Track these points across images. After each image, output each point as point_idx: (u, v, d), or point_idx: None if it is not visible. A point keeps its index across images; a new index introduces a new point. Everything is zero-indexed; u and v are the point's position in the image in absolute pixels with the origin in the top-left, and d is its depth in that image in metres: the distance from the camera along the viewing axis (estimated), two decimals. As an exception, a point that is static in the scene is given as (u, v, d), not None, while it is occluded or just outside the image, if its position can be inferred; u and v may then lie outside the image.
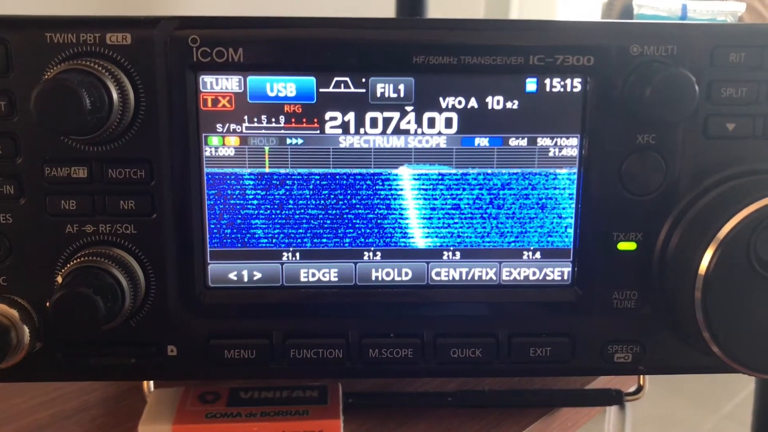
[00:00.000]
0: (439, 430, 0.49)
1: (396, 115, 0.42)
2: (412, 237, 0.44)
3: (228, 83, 0.41)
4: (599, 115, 0.42)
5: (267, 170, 0.43)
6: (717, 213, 0.41)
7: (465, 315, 0.45)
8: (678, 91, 0.39)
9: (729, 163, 0.43)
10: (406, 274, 0.45)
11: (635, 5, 0.77)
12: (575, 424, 0.52)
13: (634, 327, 0.45)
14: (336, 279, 0.44)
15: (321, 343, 0.44)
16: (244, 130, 0.42)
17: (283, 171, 0.43)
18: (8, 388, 0.52)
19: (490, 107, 0.42)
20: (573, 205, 0.44)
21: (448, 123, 0.42)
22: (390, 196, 0.43)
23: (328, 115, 0.42)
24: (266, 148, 0.42)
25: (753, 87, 0.42)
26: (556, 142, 0.43)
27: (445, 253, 0.44)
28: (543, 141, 0.43)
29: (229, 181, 0.43)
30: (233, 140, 0.42)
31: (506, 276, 0.45)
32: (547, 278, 0.45)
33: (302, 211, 0.43)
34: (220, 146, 0.42)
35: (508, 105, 0.42)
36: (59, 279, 0.40)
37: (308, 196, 0.43)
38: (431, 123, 0.42)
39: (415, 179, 0.43)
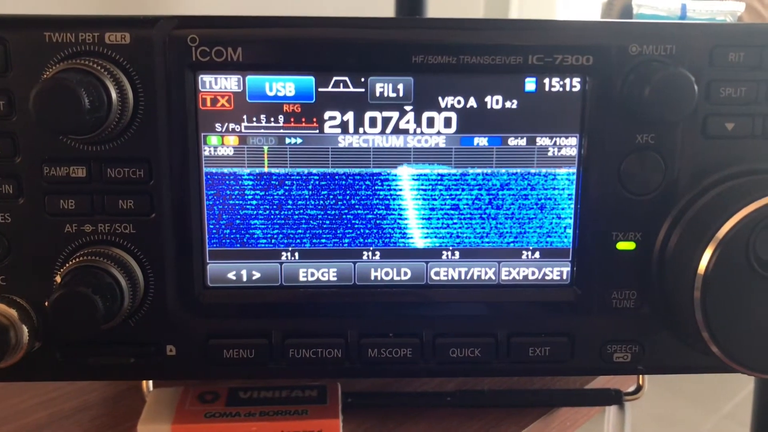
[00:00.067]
0: (438, 429, 0.49)
1: (395, 114, 0.42)
2: (411, 237, 0.44)
3: (227, 83, 0.41)
4: (598, 114, 0.42)
5: (266, 170, 0.43)
6: (716, 213, 0.41)
7: (464, 315, 0.45)
8: (677, 90, 0.39)
9: (728, 162, 0.43)
10: (405, 273, 0.45)
11: (634, 5, 0.77)
12: (574, 424, 0.52)
13: (633, 327, 0.45)
14: (335, 279, 0.44)
15: (320, 343, 0.44)
16: (243, 130, 0.42)
17: (282, 170, 0.43)
18: (7, 388, 0.52)
19: (489, 107, 0.42)
20: (572, 206, 0.44)
21: (447, 122, 0.42)
22: (389, 197, 0.43)
23: (327, 114, 0.42)
24: (265, 148, 0.42)
25: (752, 87, 0.42)
26: (555, 141, 0.43)
27: (444, 252, 0.44)
28: (542, 141, 0.43)
29: (228, 181, 0.43)
30: (232, 140, 0.42)
31: (505, 276, 0.45)
32: (546, 278, 0.45)
33: (301, 211, 0.43)
34: (219, 146, 0.42)
35: (507, 105, 0.42)
36: (58, 278, 0.40)
37: (307, 197, 0.43)
38: (430, 122, 0.42)
39: (414, 179, 0.43)
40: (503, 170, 0.43)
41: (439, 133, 0.43)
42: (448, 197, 0.44)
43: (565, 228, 0.44)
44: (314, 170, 0.43)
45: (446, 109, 0.42)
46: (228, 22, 0.41)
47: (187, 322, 0.43)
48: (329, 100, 0.42)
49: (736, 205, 0.40)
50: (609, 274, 0.44)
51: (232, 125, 0.42)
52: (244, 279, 0.44)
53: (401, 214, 0.44)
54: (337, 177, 0.43)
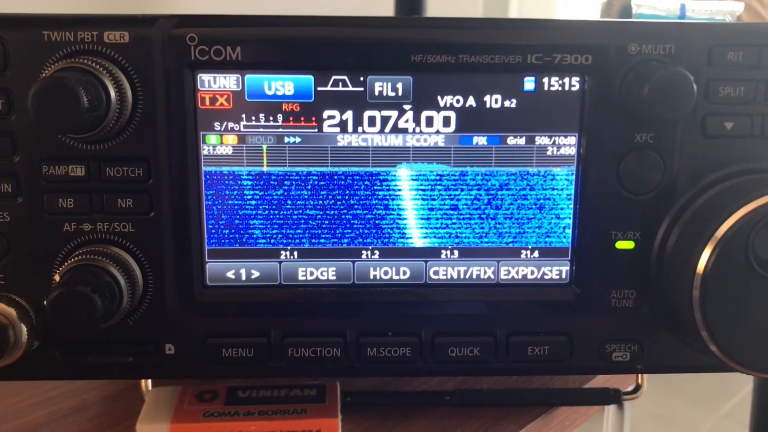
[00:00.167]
0: (437, 429, 0.49)
1: (394, 113, 0.42)
2: (410, 237, 0.44)
3: (226, 82, 0.41)
4: (597, 113, 0.42)
5: (265, 169, 0.43)
6: (715, 212, 0.41)
7: (463, 314, 0.45)
8: (676, 90, 0.39)
9: (727, 162, 0.43)
10: (404, 272, 0.45)
11: (634, 4, 0.77)
12: (573, 423, 0.52)
13: (632, 326, 0.45)
14: (334, 278, 0.44)
15: (319, 342, 0.44)
16: (242, 129, 0.42)
17: (281, 169, 0.43)
18: (6, 387, 0.52)
19: (488, 106, 0.42)
20: (571, 206, 0.44)
21: (446, 122, 0.42)
22: (388, 196, 0.43)
23: (326, 113, 0.42)
24: (264, 147, 0.42)
25: (751, 86, 0.42)
26: (555, 140, 0.43)
27: (443, 251, 0.44)
28: (541, 140, 0.43)
29: (227, 180, 0.43)
30: (231, 139, 0.42)
31: (504, 275, 0.45)
32: (546, 277, 0.45)
33: (300, 210, 0.43)
34: (218, 145, 0.42)
35: (507, 104, 0.42)
36: (57, 277, 0.40)
37: (306, 196, 0.43)
38: (429, 122, 0.42)
39: (413, 179, 0.43)
40: (502, 170, 0.43)
41: (438, 132, 0.43)
42: (447, 197, 0.44)
43: (564, 228, 0.44)
44: (313, 169, 0.43)
45: (445, 108, 0.42)
46: (227, 21, 0.41)
47: (186, 321, 0.43)
48: (328, 99, 0.42)
49: (735, 205, 0.40)
50: (608, 273, 0.44)
51: (231, 124, 0.42)
52: (243, 278, 0.44)
53: (400, 214, 0.44)
54: (336, 176, 0.43)
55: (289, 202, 0.43)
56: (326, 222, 0.43)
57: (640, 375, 0.51)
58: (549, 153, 0.43)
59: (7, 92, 0.39)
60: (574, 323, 0.45)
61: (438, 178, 0.43)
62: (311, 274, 0.44)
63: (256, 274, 0.44)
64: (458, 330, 0.45)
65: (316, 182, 0.43)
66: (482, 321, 0.45)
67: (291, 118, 0.42)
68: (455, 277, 0.45)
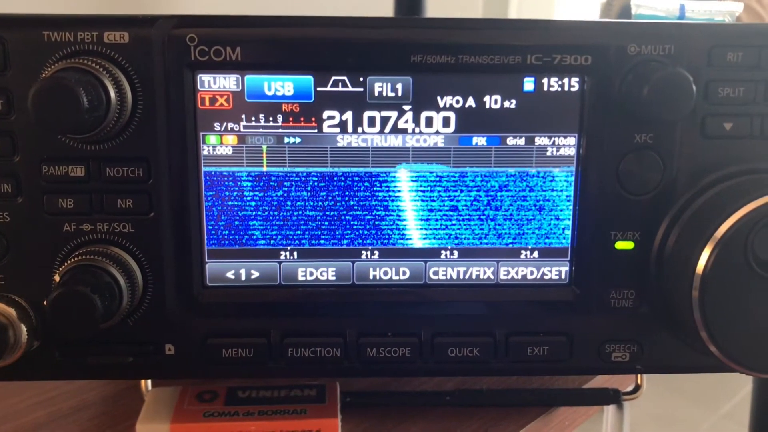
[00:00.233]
0: (436, 429, 0.49)
1: (394, 114, 0.42)
2: (410, 238, 0.44)
3: (226, 82, 0.41)
4: (597, 114, 0.42)
5: (265, 169, 0.43)
6: (714, 212, 0.41)
7: (463, 314, 0.45)
8: (675, 90, 0.39)
9: (726, 162, 0.43)
10: (404, 273, 0.45)
11: (633, 5, 0.77)
12: (573, 423, 0.52)
13: (631, 326, 0.45)
14: (334, 278, 0.44)
15: (319, 342, 0.44)
16: (241, 129, 0.42)
17: (280, 170, 0.43)
18: (6, 387, 0.52)
19: (487, 106, 0.42)
20: (570, 207, 0.44)
21: (446, 122, 0.43)
22: (388, 197, 0.43)
23: (325, 114, 0.42)
24: (264, 147, 0.42)
25: (750, 87, 0.42)
26: (554, 141, 0.43)
27: (442, 252, 0.44)
28: (541, 140, 0.43)
29: (226, 180, 0.43)
30: (231, 139, 0.42)
31: (504, 275, 0.45)
32: (545, 277, 0.45)
33: (300, 212, 0.43)
34: (217, 145, 0.42)
35: (506, 104, 0.42)
36: (57, 277, 0.40)
37: (306, 197, 0.43)
38: (429, 122, 0.42)
39: (413, 181, 0.43)
40: (502, 171, 0.43)
41: (437, 132, 0.43)
42: (446, 198, 0.44)
43: (563, 229, 0.44)
44: (313, 170, 0.43)
45: (445, 108, 0.42)
46: (227, 21, 0.41)
47: (186, 321, 0.43)
48: (328, 99, 0.42)
49: (734, 205, 0.40)
50: (607, 273, 0.44)
51: (230, 124, 0.42)
52: (243, 278, 0.44)
53: (400, 215, 0.44)
54: (335, 177, 0.43)
55: (288, 203, 0.43)
56: (326, 223, 0.44)
57: (639, 375, 0.51)
58: (549, 153, 0.43)
59: (7, 92, 0.40)
60: (574, 323, 0.45)
61: (438, 179, 0.43)
62: (311, 274, 0.44)
63: (255, 274, 0.44)
64: (458, 330, 0.45)
65: (315, 183, 0.43)
66: (482, 321, 0.45)
67: (291, 119, 0.42)
68: (455, 277, 0.45)
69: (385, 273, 0.45)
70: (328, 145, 0.42)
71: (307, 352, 0.44)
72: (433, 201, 0.44)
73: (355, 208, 0.43)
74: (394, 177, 0.43)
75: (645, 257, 0.44)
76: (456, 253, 0.45)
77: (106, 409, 0.50)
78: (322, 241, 0.44)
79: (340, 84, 0.42)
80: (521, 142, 0.43)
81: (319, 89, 0.42)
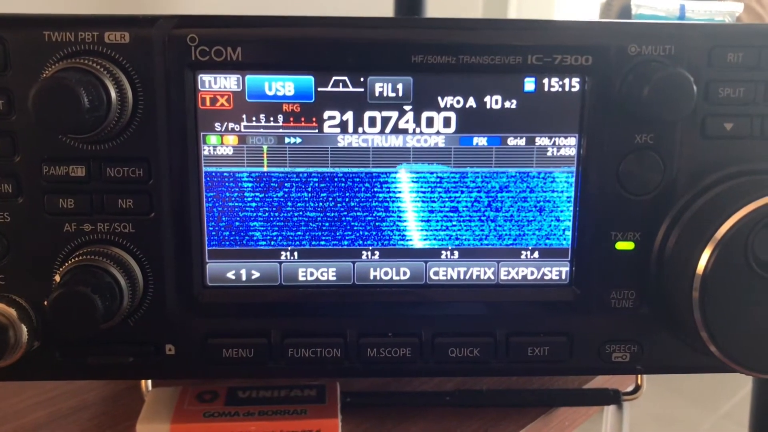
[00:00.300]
0: (437, 429, 0.49)
1: (394, 114, 0.42)
2: (411, 239, 0.44)
3: (226, 82, 0.41)
4: (597, 114, 0.42)
5: (265, 169, 0.43)
6: (715, 213, 0.41)
7: (463, 314, 0.45)
8: (676, 90, 0.39)
9: (727, 163, 0.43)
10: (405, 273, 0.45)
11: (633, 5, 0.77)
12: (573, 424, 0.52)
13: (631, 326, 0.45)
14: (334, 278, 0.44)
15: (319, 343, 0.44)
16: (242, 129, 0.42)
17: (281, 170, 0.43)
18: (6, 387, 0.52)
19: (488, 107, 0.42)
20: (571, 208, 0.44)
21: (447, 122, 0.43)
22: (388, 198, 0.43)
23: (326, 114, 0.42)
24: (264, 147, 0.42)
25: (750, 87, 0.42)
26: (555, 141, 0.43)
27: (443, 252, 0.44)
28: (541, 141, 0.43)
29: (227, 181, 0.43)
30: (231, 139, 0.42)
31: (504, 275, 0.45)
32: (545, 278, 0.45)
33: (300, 213, 0.43)
34: (218, 145, 0.42)
35: (507, 104, 0.42)
36: (57, 278, 0.40)
37: (306, 198, 0.43)
38: (429, 122, 0.42)
39: (413, 182, 0.43)
40: (502, 172, 0.43)
41: (438, 132, 0.43)
42: (447, 199, 0.44)
43: (564, 230, 0.44)
44: (313, 170, 0.43)
45: (445, 108, 0.42)
46: (227, 21, 0.41)
47: (187, 321, 0.43)
48: (328, 99, 0.42)
49: (734, 206, 0.40)
50: (608, 274, 0.44)
51: (231, 125, 0.42)
52: (244, 278, 0.44)
53: (400, 216, 0.44)
54: (336, 178, 0.43)
55: (289, 203, 0.43)
56: (326, 224, 0.44)
57: (639, 375, 0.51)
58: (549, 154, 0.43)
59: (8, 92, 0.40)
60: (574, 324, 0.45)
61: (438, 180, 0.43)
62: (311, 274, 0.44)
63: (256, 274, 0.44)
64: (458, 330, 0.45)
65: (316, 184, 0.43)
66: (482, 321, 0.45)
67: (291, 119, 0.42)
68: (455, 277, 0.45)
69: (386, 273, 0.45)
70: (328, 145, 0.42)
71: (307, 353, 0.44)
72: (434, 202, 0.44)
73: (356, 209, 0.43)
74: (395, 178, 0.43)
75: (645, 258, 0.44)
76: (456, 253, 0.45)
77: (106, 409, 0.50)
78: (322, 242, 0.44)
79: (340, 84, 0.42)
80: (522, 142, 0.43)
81: (319, 89, 0.42)
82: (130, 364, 0.43)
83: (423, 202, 0.44)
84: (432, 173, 0.43)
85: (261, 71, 0.41)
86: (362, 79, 0.42)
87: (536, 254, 0.45)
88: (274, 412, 0.45)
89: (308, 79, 0.41)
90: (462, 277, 0.45)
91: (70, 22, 0.39)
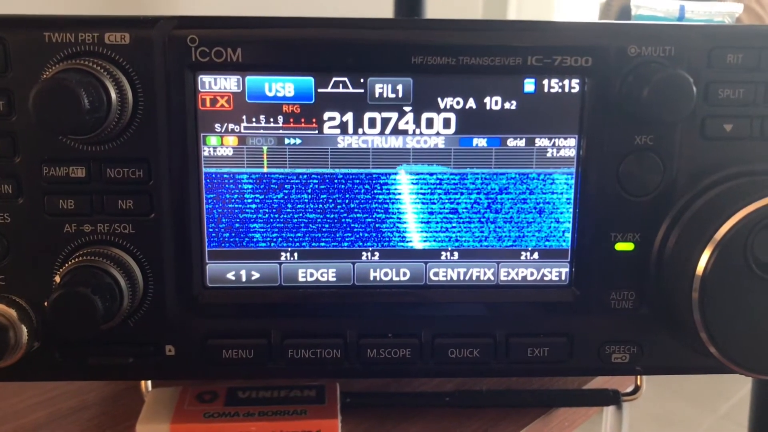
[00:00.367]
0: (436, 429, 0.49)
1: (394, 115, 0.42)
2: (410, 241, 0.44)
3: (226, 83, 0.41)
4: (597, 115, 0.42)
5: (265, 170, 0.43)
6: (714, 214, 0.41)
7: (463, 315, 0.45)
8: (676, 91, 0.40)
9: (726, 164, 0.43)
10: (405, 274, 0.45)
11: (633, 5, 0.77)
12: (572, 424, 0.52)
13: (631, 327, 0.45)
14: (334, 279, 0.44)
15: (319, 343, 0.44)
16: (242, 130, 0.42)
17: (281, 171, 0.43)
18: (6, 388, 0.52)
19: (488, 108, 0.42)
20: (571, 210, 0.44)
21: (447, 123, 0.43)
22: (388, 200, 0.43)
23: (326, 115, 0.42)
24: (264, 148, 0.42)
25: (750, 88, 0.42)
26: (554, 142, 0.43)
27: (443, 253, 0.45)
28: (541, 141, 0.43)
29: (227, 182, 0.43)
30: (231, 140, 0.42)
31: (504, 276, 0.45)
32: (545, 279, 0.45)
33: (300, 214, 0.43)
34: (218, 146, 0.42)
35: (507, 105, 0.42)
36: (57, 278, 0.40)
37: (306, 200, 0.43)
38: (429, 123, 0.43)
39: (413, 183, 0.43)
40: (502, 174, 0.43)
41: (438, 133, 0.43)
42: (447, 201, 0.44)
43: (563, 232, 0.44)
44: (313, 171, 0.43)
45: (445, 109, 0.42)
46: (228, 22, 0.41)
47: (186, 322, 0.43)
48: (328, 100, 0.42)
49: (734, 207, 0.40)
50: (607, 274, 0.44)
51: (231, 125, 0.42)
52: (243, 279, 0.44)
53: (400, 218, 0.44)
54: (336, 179, 0.43)
55: (289, 205, 0.43)
56: (326, 225, 0.44)
57: (639, 376, 0.51)
58: (549, 155, 0.43)
59: (8, 93, 0.40)
60: (574, 324, 0.45)
61: (438, 181, 0.43)
62: (311, 275, 0.44)
63: (256, 275, 0.44)
64: (458, 331, 0.45)
65: (316, 186, 0.43)
66: (482, 322, 0.45)
67: (291, 120, 0.42)
68: (455, 278, 0.45)
69: (386, 274, 0.45)
70: (328, 146, 0.42)
71: (307, 353, 0.44)
72: (434, 204, 0.44)
73: (356, 210, 0.43)
74: (395, 179, 0.43)
75: (645, 258, 0.44)
76: (456, 254, 0.45)
77: (106, 409, 0.50)
78: (322, 244, 0.44)
79: (340, 85, 0.42)
80: (521, 143, 0.43)
81: (319, 90, 0.42)
82: (130, 364, 0.43)
83: (423, 203, 0.44)
84: (432, 174, 0.43)
85: (261, 72, 0.41)
86: (362, 80, 0.42)
87: (536, 255, 0.45)
88: (273, 412, 0.45)
89: (308, 80, 0.42)
90: (462, 278, 0.45)
91: (71, 23, 0.39)
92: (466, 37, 0.41)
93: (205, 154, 0.42)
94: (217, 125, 0.42)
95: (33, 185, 0.41)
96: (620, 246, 0.43)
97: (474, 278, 0.45)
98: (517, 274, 0.45)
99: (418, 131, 0.43)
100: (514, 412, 0.50)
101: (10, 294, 0.41)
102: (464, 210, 0.44)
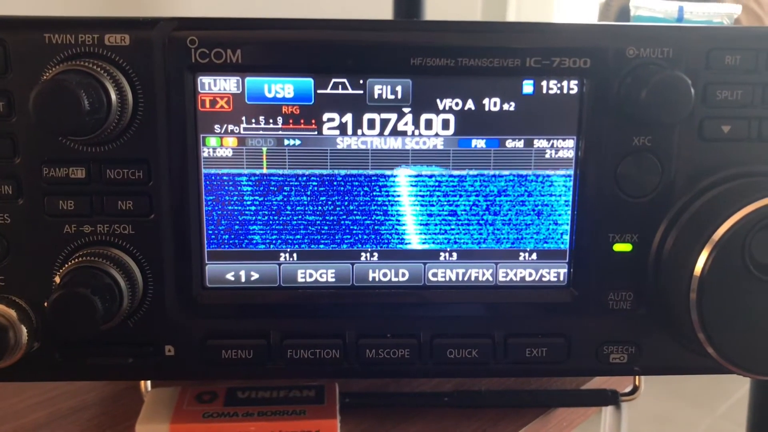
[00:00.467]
0: (435, 429, 0.49)
1: (393, 116, 0.42)
2: (409, 243, 0.44)
3: (226, 84, 0.41)
4: (595, 117, 0.42)
5: (265, 171, 0.43)
6: (712, 215, 0.41)
7: (462, 316, 0.45)
8: (674, 93, 0.40)
9: (724, 165, 0.43)
10: (403, 274, 0.45)
11: (632, 6, 0.78)
12: (571, 424, 0.52)
13: (629, 328, 0.45)
14: (333, 279, 0.45)
15: (318, 344, 0.44)
16: (242, 131, 0.42)
17: (280, 172, 0.43)
18: (6, 388, 0.52)
19: (487, 109, 0.42)
20: (569, 212, 0.44)
21: (445, 124, 0.43)
22: (387, 202, 0.43)
23: (325, 116, 0.42)
24: (264, 149, 0.42)
25: (748, 90, 0.42)
26: (553, 143, 0.43)
27: (441, 254, 0.45)
28: (539, 143, 0.43)
29: (226, 182, 0.43)
30: (231, 141, 0.42)
31: (503, 277, 0.45)
32: (543, 279, 0.45)
33: (300, 216, 0.43)
34: (218, 147, 0.42)
35: (505, 107, 0.42)
36: (57, 279, 0.41)
37: (306, 202, 0.43)
38: (428, 124, 0.43)
39: (412, 185, 0.43)
40: (501, 176, 0.44)
41: (437, 134, 0.43)
42: (445, 203, 0.44)
43: (561, 234, 0.44)
44: (312, 172, 0.43)
45: (444, 111, 0.42)
46: (227, 23, 0.41)
47: (186, 322, 0.43)
48: (328, 101, 0.42)
49: (732, 208, 0.40)
50: (606, 275, 0.44)
51: (231, 126, 0.42)
52: (243, 280, 0.44)
53: (399, 220, 0.44)
54: (335, 181, 0.43)
55: (288, 207, 0.43)
56: (326, 227, 0.44)
57: (637, 376, 0.51)
58: (547, 156, 0.43)
59: (8, 94, 0.40)
60: (572, 325, 0.45)
61: (437, 184, 0.43)
62: (310, 275, 0.44)
63: (255, 275, 0.44)
64: (457, 332, 0.45)
65: (315, 188, 0.43)
66: (481, 323, 0.45)
67: (291, 121, 0.42)
68: (454, 279, 0.45)
69: (385, 275, 0.45)
70: (327, 147, 0.43)
71: (306, 354, 0.44)
72: (432, 206, 0.44)
73: (355, 212, 0.43)
74: (394, 181, 0.43)
75: (643, 259, 0.44)
76: (455, 255, 0.45)
77: (106, 409, 0.50)
78: (321, 245, 0.44)
79: (340, 86, 0.42)
80: (520, 144, 0.43)
81: (319, 91, 0.42)
82: (129, 364, 0.44)
83: (422, 205, 0.44)
84: (431, 177, 0.43)
85: (260, 73, 0.41)
86: (361, 81, 0.42)
87: (534, 256, 0.45)
88: (273, 412, 0.45)
89: (307, 81, 0.42)
90: (460, 278, 0.45)
91: (71, 25, 0.39)
92: (465, 39, 0.42)
93: (205, 155, 0.42)
94: (216, 126, 0.42)
95: (33, 186, 0.41)
96: (618, 247, 0.44)
97: (473, 279, 0.45)
98: (515, 274, 0.45)
99: (417, 132, 0.43)
100: (513, 413, 0.50)
101: (9, 294, 0.41)
102: (463, 212, 0.44)
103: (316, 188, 0.43)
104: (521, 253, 0.45)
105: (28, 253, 0.42)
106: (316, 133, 0.42)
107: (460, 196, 0.44)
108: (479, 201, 0.44)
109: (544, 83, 0.42)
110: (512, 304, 0.45)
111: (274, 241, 0.44)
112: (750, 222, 0.39)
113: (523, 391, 0.51)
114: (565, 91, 0.42)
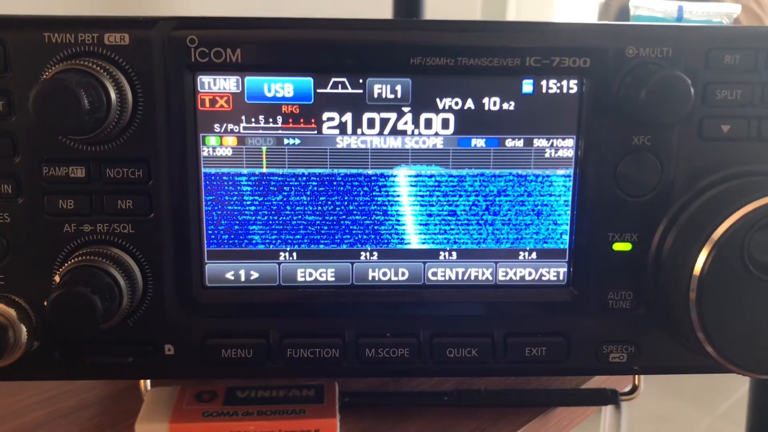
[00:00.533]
0: (435, 429, 0.49)
1: (393, 115, 0.42)
2: (409, 243, 0.44)
3: (226, 83, 0.41)
4: (595, 116, 0.42)
5: (264, 170, 0.43)
6: (712, 214, 0.41)
7: (461, 315, 0.45)
8: (673, 92, 0.40)
9: (724, 164, 0.43)
10: (403, 274, 0.45)
11: (632, 6, 0.78)
12: (570, 424, 0.52)
13: (629, 327, 0.45)
14: (333, 279, 0.45)
15: (318, 343, 0.44)
16: (241, 131, 0.42)
17: (280, 171, 0.43)
18: (5, 387, 0.52)
19: (486, 108, 0.42)
20: (569, 212, 0.44)
21: (445, 124, 0.43)
22: (387, 202, 0.44)
23: (325, 115, 0.42)
24: (264, 149, 0.42)
25: (748, 89, 0.42)
26: (552, 143, 0.43)
27: (441, 253, 0.45)
28: (539, 142, 0.43)
29: (226, 181, 0.43)
30: (231, 140, 0.42)
31: (502, 276, 0.45)
32: (543, 278, 0.45)
33: (299, 216, 0.43)
34: (217, 146, 0.42)
35: (505, 106, 0.42)
36: (57, 278, 0.41)
37: (305, 202, 0.43)
38: (428, 124, 0.43)
39: (412, 185, 0.43)
40: (500, 176, 0.44)
41: (436, 134, 0.43)
42: (445, 203, 0.44)
43: (561, 234, 0.44)
44: (312, 171, 0.43)
45: (444, 110, 0.42)
46: (227, 23, 0.41)
47: (186, 321, 0.43)
48: (328, 101, 0.42)
49: (731, 207, 0.40)
50: (605, 274, 0.44)
51: (230, 126, 0.42)
52: (243, 279, 0.44)
53: (399, 219, 0.44)
54: (335, 180, 0.43)
55: (288, 207, 0.43)
56: (325, 227, 0.44)
57: (636, 376, 0.51)
58: (547, 155, 0.43)
59: (8, 94, 0.40)
60: (572, 324, 0.45)
61: (436, 183, 0.43)
62: (310, 275, 0.44)
63: (255, 275, 0.44)
64: (456, 331, 0.45)
65: (315, 187, 0.43)
66: (480, 322, 0.45)
67: (290, 120, 0.42)
68: (453, 278, 0.45)
69: (384, 274, 0.45)
70: (327, 146, 0.43)
71: (306, 353, 0.44)
72: (432, 206, 0.44)
73: (354, 212, 0.44)
74: (394, 181, 0.43)
75: (642, 259, 0.44)
76: (455, 254, 0.45)
77: (106, 408, 0.50)
78: (321, 245, 0.44)
79: (339, 86, 0.42)
80: (520, 143, 0.43)
81: (318, 91, 0.42)
82: (129, 364, 0.44)
83: (421, 205, 0.44)
84: (430, 176, 0.43)
85: (260, 73, 0.41)
86: (361, 81, 0.42)
87: (534, 255, 0.45)
88: (272, 411, 0.45)
89: (307, 81, 0.42)
90: (460, 277, 0.45)
91: (70, 24, 0.39)
92: (464, 38, 0.42)
93: (205, 154, 0.42)
94: (216, 125, 0.42)
95: (33, 185, 0.41)
96: (618, 246, 0.44)
97: (472, 278, 0.45)
98: (515, 274, 0.45)
99: (416, 132, 0.43)
100: (513, 412, 0.50)
101: (9, 294, 0.41)
102: (462, 212, 0.44)
103: (315, 188, 0.43)
104: (521, 253, 0.45)
105: (27, 252, 0.42)
106: (315, 132, 0.42)
107: (460, 195, 0.44)
108: (479, 200, 0.44)
109: (543, 83, 0.42)
110: (512, 304, 0.45)
111: (273, 241, 0.44)
112: (749, 221, 0.39)
113: (522, 390, 0.51)
114: (564, 90, 0.42)
